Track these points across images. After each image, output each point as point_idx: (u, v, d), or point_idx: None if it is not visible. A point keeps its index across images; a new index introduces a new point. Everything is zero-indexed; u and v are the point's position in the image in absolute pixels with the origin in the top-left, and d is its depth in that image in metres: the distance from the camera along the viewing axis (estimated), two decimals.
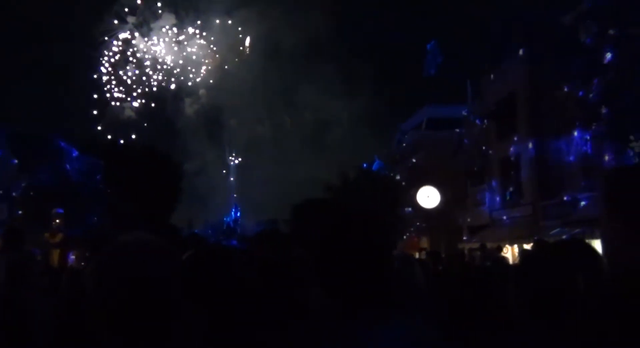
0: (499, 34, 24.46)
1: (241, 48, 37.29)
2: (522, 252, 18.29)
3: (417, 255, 12.72)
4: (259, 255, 1.83)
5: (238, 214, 69.99)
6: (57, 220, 11.17)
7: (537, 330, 1.48)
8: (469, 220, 28.22)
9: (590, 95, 14.30)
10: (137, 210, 25.66)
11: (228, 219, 69.16)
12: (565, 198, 19.51)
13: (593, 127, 14.87)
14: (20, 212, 18.93)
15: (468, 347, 2.70)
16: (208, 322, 1.38)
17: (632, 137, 13.59)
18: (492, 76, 25.93)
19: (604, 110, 14.09)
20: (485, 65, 26.47)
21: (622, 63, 13.27)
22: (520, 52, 22.80)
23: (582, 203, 18.33)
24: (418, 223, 30.62)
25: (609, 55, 13.64)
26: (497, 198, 25.79)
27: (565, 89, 15.52)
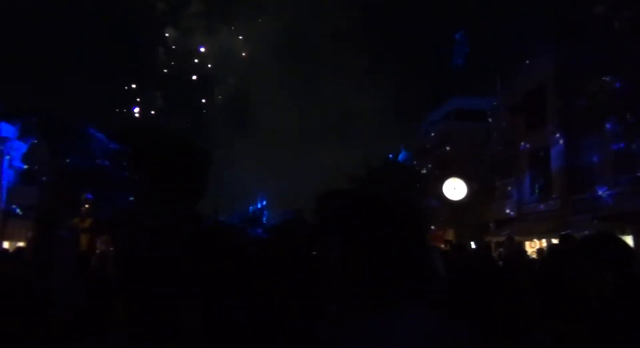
0: (528, 25, 24.00)
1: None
2: (549, 247, 18.03)
3: (442, 248, 12.62)
4: (281, 244, 1.83)
5: (264, 203, 70.47)
6: (87, 205, 11.39)
7: (557, 327, 1.45)
8: (495, 213, 27.89)
9: (619, 85, 13.95)
10: (164, 197, 25.98)
11: (253, 208, 69.68)
12: (595, 192, 19.13)
13: (627, 119, 14.49)
14: (50, 196, 19.43)
15: (489, 339, 2.66)
16: (216, 309, 1.38)
17: None
18: (521, 67, 25.48)
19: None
20: (515, 56, 26.04)
21: None
22: (551, 43, 22.34)
23: (613, 198, 17.94)
24: (443, 216, 30.37)
25: None
26: (525, 192, 25.43)
27: (598, 80, 15.16)
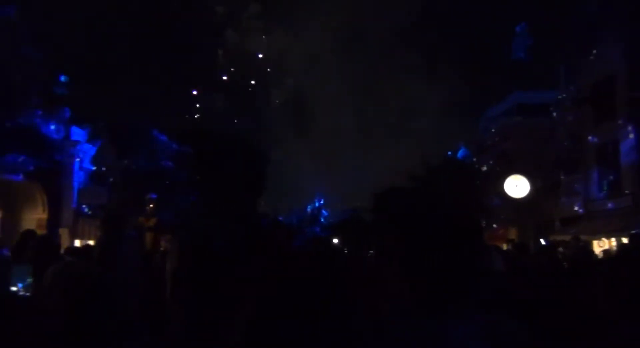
0: (595, 10, 22.95)
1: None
2: (620, 246, 17.18)
3: (505, 247, 12.31)
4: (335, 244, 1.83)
5: (322, 202, 70.86)
6: (151, 205, 11.83)
7: (628, 329, 1.37)
8: (561, 211, 26.89)
9: None
10: (224, 197, 26.56)
11: (311, 207, 70.21)
12: None
13: None
14: (117, 196, 20.28)
15: (551, 343, 2.55)
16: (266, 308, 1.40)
17: None
18: (587, 58, 24.41)
19: None
20: (580, 45, 24.96)
21: None
22: (620, 29, 21.29)
23: None
24: (505, 214, 29.55)
25: None
26: (593, 189, 24.37)
27: None
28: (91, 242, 12.95)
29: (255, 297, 1.30)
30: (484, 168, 33.01)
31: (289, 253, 1.57)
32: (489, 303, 1.59)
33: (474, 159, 34.09)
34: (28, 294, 3.94)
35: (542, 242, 11.19)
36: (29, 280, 4.05)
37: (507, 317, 1.36)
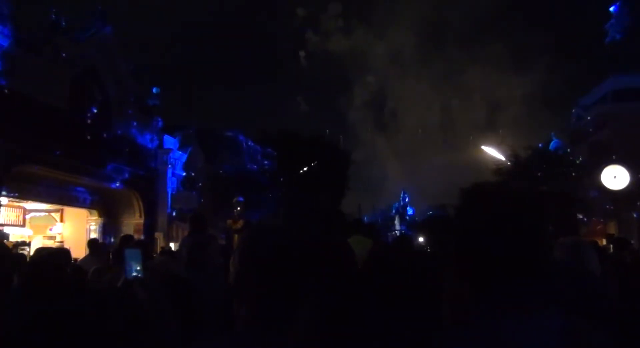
0: None
1: None
2: None
3: (604, 242, 11.59)
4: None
5: (407, 199, 70.14)
6: (239, 208, 12.15)
7: None
8: None
9: None
10: (308, 197, 27.03)
11: (397, 205, 69.71)
12: None
13: None
14: (207, 200, 21.07)
15: None
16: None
17: None
18: None
19: None
20: None
21: None
22: None
23: None
24: (604, 207, 27.82)
25: None
26: None
27: None
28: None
29: (319, 298, 1.27)
30: (579, 159, 31.27)
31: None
32: (574, 306, 1.47)
33: (568, 150, 32.35)
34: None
35: None
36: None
37: (591, 322, 1.25)
